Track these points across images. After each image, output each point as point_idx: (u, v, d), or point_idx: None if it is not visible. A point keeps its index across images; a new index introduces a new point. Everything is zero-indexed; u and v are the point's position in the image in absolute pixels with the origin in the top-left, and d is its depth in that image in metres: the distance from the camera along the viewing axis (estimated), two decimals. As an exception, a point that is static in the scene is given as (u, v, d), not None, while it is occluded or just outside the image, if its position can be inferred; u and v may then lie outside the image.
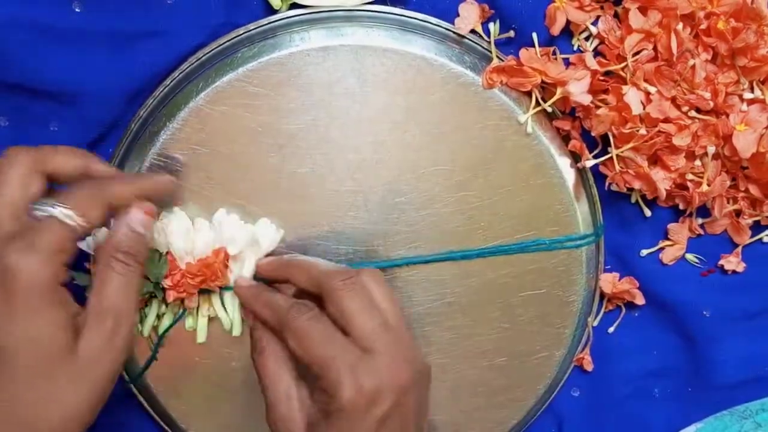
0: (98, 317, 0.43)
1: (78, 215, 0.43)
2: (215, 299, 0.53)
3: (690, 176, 0.54)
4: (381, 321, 0.45)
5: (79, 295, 0.53)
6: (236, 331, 0.53)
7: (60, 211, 0.42)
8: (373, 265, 0.54)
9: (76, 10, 0.52)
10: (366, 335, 0.44)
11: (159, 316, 0.53)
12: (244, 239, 0.52)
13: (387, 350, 0.44)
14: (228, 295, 0.53)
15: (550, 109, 0.53)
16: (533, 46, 0.53)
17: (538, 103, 0.53)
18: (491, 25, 0.54)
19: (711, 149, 0.53)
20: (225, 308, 0.53)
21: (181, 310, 0.53)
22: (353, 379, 0.43)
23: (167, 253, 0.51)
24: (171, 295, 0.51)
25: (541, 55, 0.53)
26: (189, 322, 0.53)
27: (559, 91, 0.52)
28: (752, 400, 0.59)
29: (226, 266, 0.52)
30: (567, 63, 0.54)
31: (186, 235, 0.51)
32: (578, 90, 0.52)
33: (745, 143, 0.52)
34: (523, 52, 0.53)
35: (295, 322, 0.45)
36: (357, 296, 0.45)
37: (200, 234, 0.51)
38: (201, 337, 0.53)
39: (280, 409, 0.46)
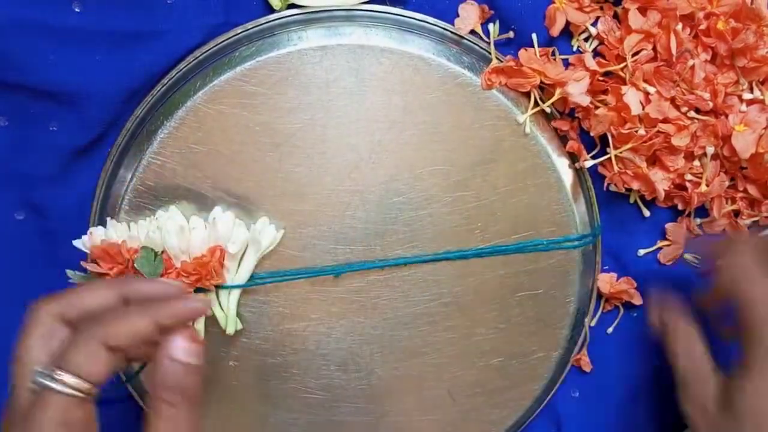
0: None
1: (80, 378, 0.38)
2: (212, 298, 0.53)
3: (689, 176, 0.54)
4: None
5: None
6: (230, 330, 0.53)
7: (57, 382, 0.38)
8: (371, 265, 0.54)
9: (76, 10, 0.53)
10: None
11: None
12: (244, 238, 0.52)
13: None
14: (224, 294, 0.53)
15: (548, 110, 0.53)
16: (533, 46, 0.53)
17: (536, 104, 0.53)
18: (491, 26, 0.54)
19: (710, 149, 0.53)
20: (221, 307, 0.53)
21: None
22: None
23: (162, 252, 0.51)
24: (167, 294, 0.51)
25: (540, 56, 0.53)
26: (186, 321, 0.53)
27: (558, 91, 0.52)
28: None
29: (222, 265, 0.52)
30: (566, 64, 0.54)
31: (181, 234, 0.51)
32: (577, 91, 0.52)
33: (744, 144, 0.52)
34: (522, 53, 0.53)
35: (733, 257, 0.46)
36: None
37: (195, 232, 0.51)
38: (199, 336, 0.53)
39: (696, 385, 0.46)
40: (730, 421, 0.42)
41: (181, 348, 0.40)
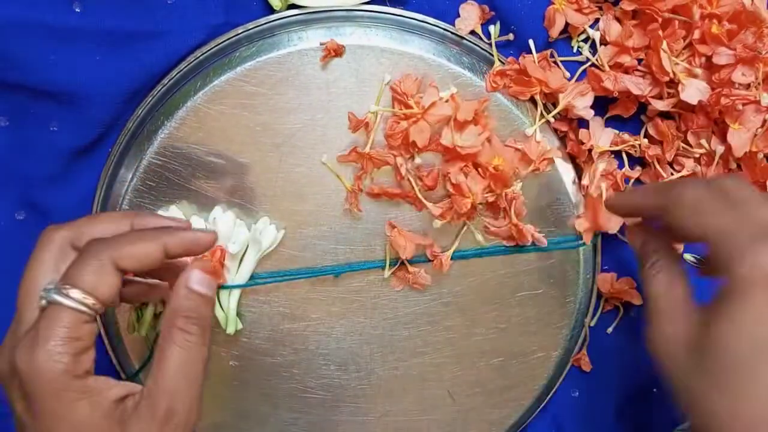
0: (151, 402, 0.39)
1: (89, 294, 0.39)
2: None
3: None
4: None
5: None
6: (230, 329, 0.53)
7: (66, 297, 0.38)
8: (371, 265, 0.54)
9: (76, 10, 0.53)
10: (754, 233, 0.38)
11: (156, 315, 0.53)
12: (245, 238, 0.52)
13: None
14: (224, 294, 0.53)
15: (552, 120, 0.53)
16: (533, 48, 0.53)
17: (542, 114, 0.53)
18: (491, 27, 0.54)
19: (720, 149, 0.53)
20: (222, 307, 0.53)
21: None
22: (752, 252, 0.37)
23: (164, 251, 0.51)
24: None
25: (539, 60, 0.53)
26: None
27: (561, 102, 0.52)
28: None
29: (223, 265, 0.52)
30: (566, 65, 0.54)
31: (181, 234, 0.51)
32: (582, 105, 0.53)
33: (738, 141, 0.52)
34: (523, 61, 0.53)
35: (687, 193, 0.41)
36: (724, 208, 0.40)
37: (195, 233, 0.51)
38: (198, 335, 0.53)
39: (667, 318, 0.42)
40: (706, 361, 0.38)
41: (197, 279, 0.41)
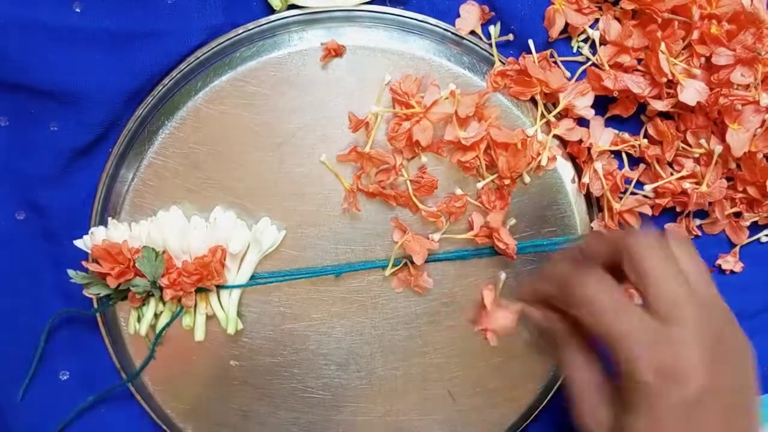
0: None
1: None
2: (212, 298, 0.53)
3: (686, 184, 0.55)
4: (686, 287, 0.40)
5: (78, 295, 0.53)
6: (231, 329, 0.53)
7: None
8: (372, 264, 0.54)
9: (77, 10, 0.53)
10: (667, 302, 0.39)
11: (156, 315, 0.53)
12: (246, 238, 0.52)
13: (692, 321, 0.39)
14: (225, 294, 0.53)
15: (554, 119, 0.53)
16: (533, 48, 0.53)
17: (542, 115, 0.53)
18: (492, 28, 0.54)
19: (718, 149, 0.53)
20: (222, 307, 0.53)
21: (178, 309, 0.53)
22: (650, 356, 0.38)
23: (164, 251, 0.51)
24: (168, 294, 0.51)
25: (539, 60, 0.53)
26: (186, 320, 0.53)
27: (562, 102, 0.52)
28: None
29: (224, 265, 0.52)
30: (566, 65, 0.54)
31: (182, 234, 0.51)
32: (582, 104, 0.53)
33: (737, 141, 0.53)
34: (523, 60, 0.53)
35: (582, 289, 0.41)
36: (660, 258, 0.40)
37: (196, 232, 0.51)
38: (199, 335, 0.53)
39: (587, 402, 0.43)
40: None
41: None
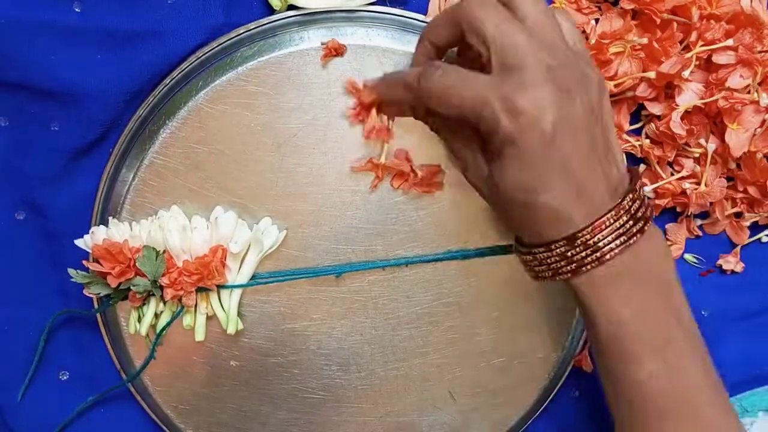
0: None
1: None
2: (213, 297, 0.53)
3: (686, 184, 0.55)
4: (525, 34, 0.41)
5: (78, 295, 0.53)
6: (231, 329, 0.53)
7: None
8: (373, 265, 0.54)
9: (77, 10, 0.53)
10: (508, 53, 0.40)
11: (157, 315, 0.53)
12: (247, 238, 0.52)
13: (536, 61, 0.40)
14: (226, 294, 0.53)
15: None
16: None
17: None
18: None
19: (711, 146, 0.54)
20: (223, 307, 0.53)
21: (178, 308, 0.53)
22: (501, 105, 0.40)
23: (164, 251, 0.51)
24: (168, 293, 0.51)
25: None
26: (187, 320, 0.53)
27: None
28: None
29: (224, 265, 0.52)
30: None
31: (183, 233, 0.51)
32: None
33: (737, 141, 0.53)
34: None
35: (429, 84, 0.43)
36: (492, 9, 0.42)
37: (197, 232, 0.51)
38: (199, 335, 0.53)
39: (470, 164, 0.46)
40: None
41: None
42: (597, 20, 0.53)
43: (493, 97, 0.40)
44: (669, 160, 0.55)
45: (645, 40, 0.51)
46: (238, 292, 0.53)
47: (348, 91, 0.51)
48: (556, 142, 0.40)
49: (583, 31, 0.53)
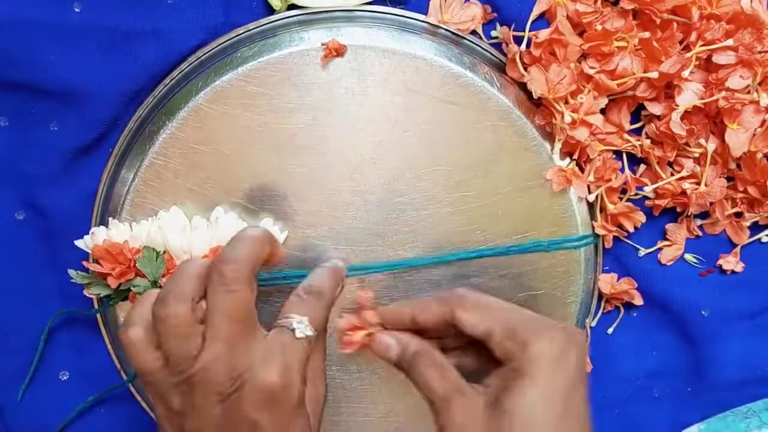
0: None
1: (312, 328, 0.44)
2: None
3: (686, 184, 0.55)
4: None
5: (78, 295, 0.53)
6: None
7: (311, 329, 0.44)
8: (373, 268, 0.54)
9: (76, 10, 0.53)
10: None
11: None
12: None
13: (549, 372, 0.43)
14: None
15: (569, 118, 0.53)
16: (530, 46, 0.53)
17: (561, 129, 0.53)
18: (494, 32, 0.54)
19: (711, 146, 0.54)
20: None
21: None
22: (537, 340, 0.43)
23: (165, 252, 0.51)
24: (169, 294, 0.51)
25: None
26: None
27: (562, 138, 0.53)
28: (751, 400, 0.59)
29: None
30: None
31: (183, 234, 0.51)
32: (582, 136, 0.53)
33: (737, 141, 0.53)
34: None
35: (469, 296, 0.46)
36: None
37: (197, 232, 0.51)
38: (199, 336, 0.53)
39: (459, 404, 0.45)
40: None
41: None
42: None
43: (525, 326, 0.44)
44: (669, 160, 0.55)
45: (647, 34, 0.51)
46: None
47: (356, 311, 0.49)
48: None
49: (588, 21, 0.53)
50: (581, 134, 0.53)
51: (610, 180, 0.54)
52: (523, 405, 0.42)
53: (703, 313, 0.58)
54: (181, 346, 0.42)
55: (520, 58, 0.53)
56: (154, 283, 0.51)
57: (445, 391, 0.44)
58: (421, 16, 0.54)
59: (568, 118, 0.52)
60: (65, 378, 0.58)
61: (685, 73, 0.52)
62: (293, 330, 0.43)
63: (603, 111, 0.54)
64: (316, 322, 0.45)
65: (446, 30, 0.54)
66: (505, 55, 0.54)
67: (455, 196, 0.54)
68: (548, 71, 0.52)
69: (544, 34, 0.52)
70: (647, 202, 0.57)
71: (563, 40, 0.51)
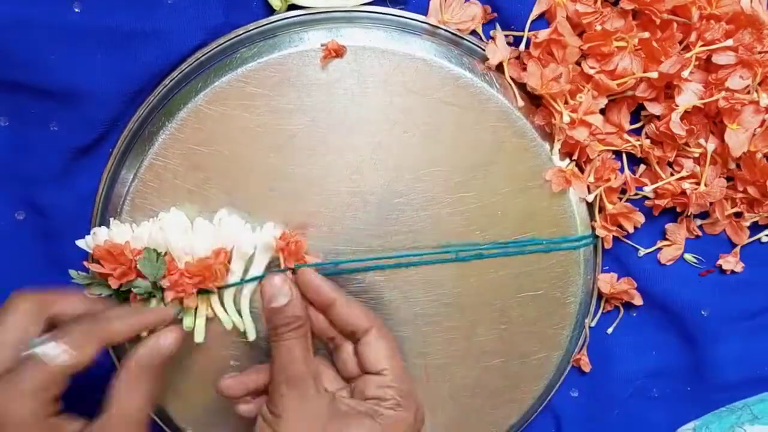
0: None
1: (70, 351, 0.44)
2: (214, 300, 0.53)
3: (686, 184, 0.55)
4: None
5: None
6: (251, 336, 0.53)
7: (42, 349, 0.44)
8: (372, 266, 0.54)
9: (76, 10, 0.53)
10: None
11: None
12: (253, 242, 0.52)
13: None
14: (227, 296, 0.53)
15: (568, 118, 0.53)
16: (529, 47, 0.53)
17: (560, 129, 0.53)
18: (493, 32, 0.54)
19: (710, 146, 0.54)
20: (225, 308, 0.53)
21: (178, 310, 0.52)
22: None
23: (166, 253, 0.51)
24: (169, 295, 0.51)
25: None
26: (187, 322, 0.53)
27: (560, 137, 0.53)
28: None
29: (227, 268, 0.52)
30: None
31: (184, 235, 0.51)
32: (581, 136, 0.53)
33: (736, 141, 0.53)
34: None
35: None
36: None
37: (199, 234, 0.51)
38: (199, 337, 0.53)
39: None
40: None
41: (168, 343, 0.48)
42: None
43: None
44: (669, 160, 0.55)
45: (647, 34, 0.51)
46: (248, 296, 0.53)
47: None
48: None
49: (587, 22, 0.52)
50: (581, 134, 0.53)
51: (609, 180, 0.54)
52: None
53: (702, 313, 0.58)
54: None
55: (519, 58, 0.53)
56: (155, 284, 0.51)
57: (299, 372, 0.47)
58: (421, 17, 0.54)
59: (567, 118, 0.52)
60: (65, 378, 0.58)
61: (685, 74, 0.52)
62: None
63: (603, 111, 0.54)
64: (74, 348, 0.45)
65: (446, 31, 0.54)
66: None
67: (455, 196, 0.54)
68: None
69: (543, 34, 0.52)
70: (647, 202, 0.57)
71: (562, 41, 0.51)
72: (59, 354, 0.44)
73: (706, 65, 0.53)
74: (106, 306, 0.50)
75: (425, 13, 0.54)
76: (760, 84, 0.53)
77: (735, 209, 0.57)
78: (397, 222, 0.54)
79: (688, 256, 0.58)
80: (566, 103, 0.53)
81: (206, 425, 0.57)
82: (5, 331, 0.46)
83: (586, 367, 0.59)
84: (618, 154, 0.56)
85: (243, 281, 0.52)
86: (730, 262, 0.58)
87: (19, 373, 0.43)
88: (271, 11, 0.54)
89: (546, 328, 0.56)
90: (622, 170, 0.56)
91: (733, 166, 0.55)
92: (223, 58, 0.53)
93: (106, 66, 0.53)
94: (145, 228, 0.52)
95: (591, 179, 0.54)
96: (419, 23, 0.54)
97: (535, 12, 0.53)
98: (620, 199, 0.56)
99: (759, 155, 0.54)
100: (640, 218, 0.56)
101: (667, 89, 0.54)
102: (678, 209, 0.57)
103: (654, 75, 0.51)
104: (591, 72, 0.52)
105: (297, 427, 0.46)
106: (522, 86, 0.53)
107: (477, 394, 0.57)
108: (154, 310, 0.50)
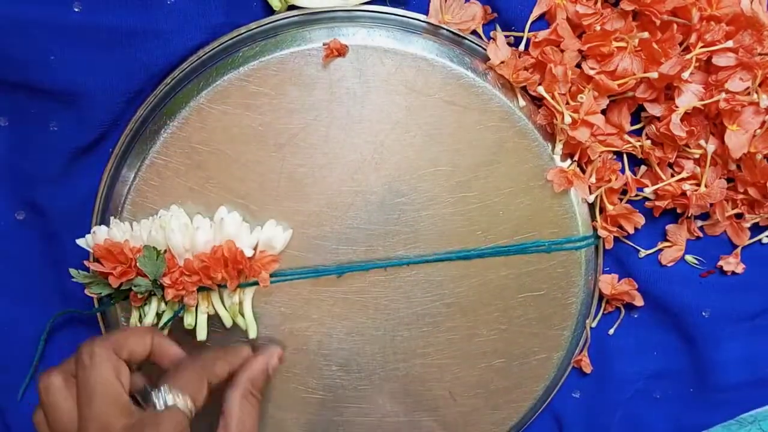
0: None
1: (191, 400, 0.46)
2: (215, 297, 0.53)
3: (686, 185, 0.55)
4: None
5: (78, 295, 0.53)
6: (252, 334, 0.53)
7: (180, 400, 0.45)
8: (373, 265, 0.54)
9: (76, 9, 0.53)
10: None
11: (159, 315, 0.53)
12: (256, 240, 0.52)
13: None
14: (227, 293, 0.53)
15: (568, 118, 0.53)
16: (528, 47, 0.53)
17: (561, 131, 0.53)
18: (493, 32, 0.54)
19: (711, 147, 0.54)
20: (225, 306, 0.53)
21: (179, 308, 0.52)
22: None
23: (165, 251, 0.51)
24: (170, 293, 0.51)
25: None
26: (188, 320, 0.53)
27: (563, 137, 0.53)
28: (753, 401, 0.60)
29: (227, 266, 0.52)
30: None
31: (184, 233, 0.51)
32: (583, 136, 0.53)
33: (737, 142, 0.53)
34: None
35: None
36: None
37: (200, 232, 0.51)
38: (201, 334, 0.53)
39: None
40: None
41: (275, 364, 0.52)
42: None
43: None
44: (669, 161, 0.55)
45: (647, 34, 0.51)
46: (250, 295, 0.53)
47: None
48: None
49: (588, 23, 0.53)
50: (582, 134, 0.53)
51: (610, 181, 0.54)
52: None
53: (703, 314, 0.58)
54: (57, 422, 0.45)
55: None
56: (155, 282, 0.51)
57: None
58: (422, 17, 0.54)
59: (568, 119, 0.52)
60: (65, 378, 0.58)
61: (685, 75, 0.52)
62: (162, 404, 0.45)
63: (603, 112, 0.54)
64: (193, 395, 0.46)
65: (447, 30, 0.54)
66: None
67: (456, 196, 0.54)
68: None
69: (543, 34, 0.52)
70: (648, 203, 0.57)
71: (561, 43, 0.52)
72: (187, 402, 0.46)
73: (706, 66, 0.53)
74: (163, 337, 0.49)
75: (426, 12, 0.54)
76: (760, 85, 0.53)
77: (735, 210, 0.57)
78: (398, 222, 0.54)
79: (689, 258, 0.58)
80: (567, 103, 0.53)
81: (206, 425, 0.57)
82: (106, 385, 0.45)
83: (587, 368, 0.59)
84: (619, 155, 0.56)
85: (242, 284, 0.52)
86: (731, 263, 0.58)
87: (160, 423, 0.44)
88: (271, 11, 0.54)
89: (547, 329, 0.56)
90: (623, 171, 0.56)
91: (733, 167, 0.55)
92: (225, 57, 0.53)
93: (106, 66, 0.53)
94: (145, 226, 0.52)
95: (592, 180, 0.54)
96: (421, 23, 0.54)
97: (535, 13, 0.53)
98: (621, 200, 0.56)
99: (759, 156, 0.54)
100: (640, 219, 0.56)
101: (667, 90, 0.54)
102: (679, 210, 0.57)
103: (654, 76, 0.52)
104: (591, 73, 0.52)
105: None
106: (523, 86, 0.53)
107: (478, 395, 0.57)
108: (239, 348, 0.52)
